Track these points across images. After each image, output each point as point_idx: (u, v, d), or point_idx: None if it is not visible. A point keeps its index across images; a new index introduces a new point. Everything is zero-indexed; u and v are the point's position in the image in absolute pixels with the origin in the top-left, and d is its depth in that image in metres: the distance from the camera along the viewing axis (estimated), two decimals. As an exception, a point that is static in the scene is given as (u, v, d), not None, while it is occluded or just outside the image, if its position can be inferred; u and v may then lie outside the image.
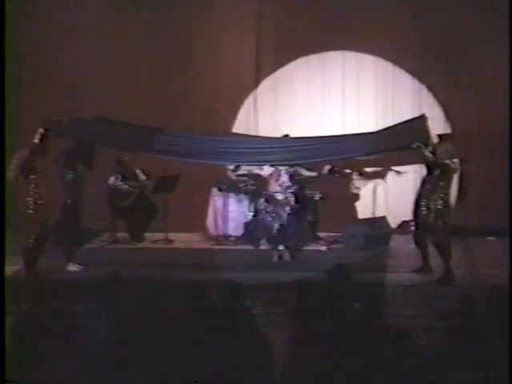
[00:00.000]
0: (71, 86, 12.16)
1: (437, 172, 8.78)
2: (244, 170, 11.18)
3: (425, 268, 9.18)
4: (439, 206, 8.79)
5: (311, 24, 12.05)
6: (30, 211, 8.92)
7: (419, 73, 11.97)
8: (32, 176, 8.97)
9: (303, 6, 12.07)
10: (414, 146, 8.66)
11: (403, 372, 4.78)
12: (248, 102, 12.36)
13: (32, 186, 8.96)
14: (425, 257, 9.21)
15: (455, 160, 8.75)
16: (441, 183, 8.80)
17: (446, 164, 8.71)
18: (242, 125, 12.31)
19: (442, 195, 8.80)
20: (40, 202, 8.98)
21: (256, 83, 12.32)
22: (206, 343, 5.06)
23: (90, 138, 9.45)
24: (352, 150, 9.33)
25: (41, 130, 9.07)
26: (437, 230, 8.85)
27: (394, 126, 9.69)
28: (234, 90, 12.35)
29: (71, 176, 9.39)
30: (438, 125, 10.36)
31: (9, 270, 8.73)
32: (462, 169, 9.03)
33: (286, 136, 10.89)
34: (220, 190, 11.40)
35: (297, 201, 10.16)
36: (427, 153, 8.66)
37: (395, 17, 11.82)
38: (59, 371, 4.93)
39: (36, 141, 9.05)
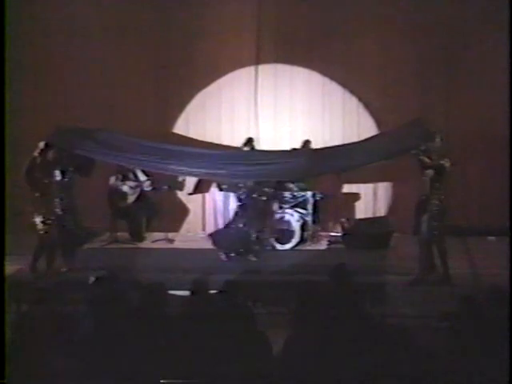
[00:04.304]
0: (70, 83, 12.16)
1: (431, 173, 8.78)
2: None
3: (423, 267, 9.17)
4: (435, 207, 8.79)
5: (312, 22, 12.03)
6: (40, 232, 8.99)
7: (420, 73, 11.95)
8: (36, 194, 8.97)
9: (304, 3, 12.03)
10: (411, 152, 8.76)
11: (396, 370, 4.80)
12: (248, 102, 12.33)
13: (37, 203, 8.96)
14: (424, 257, 9.19)
15: (447, 159, 8.76)
16: (436, 184, 8.79)
17: (441, 164, 8.72)
18: (242, 125, 12.28)
19: (437, 195, 8.79)
20: (49, 221, 9.00)
21: (256, 83, 12.29)
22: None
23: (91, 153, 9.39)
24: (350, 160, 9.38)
25: (41, 145, 9.02)
26: (432, 229, 8.83)
27: (391, 132, 9.67)
28: (233, 90, 12.33)
29: (68, 177, 9.37)
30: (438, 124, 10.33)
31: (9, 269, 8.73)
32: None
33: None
34: (220, 189, 11.38)
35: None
36: (426, 159, 8.70)
37: (396, 13, 11.78)
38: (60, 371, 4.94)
39: (36, 154, 9.01)
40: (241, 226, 10.29)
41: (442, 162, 8.70)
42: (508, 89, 11.05)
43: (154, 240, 11.45)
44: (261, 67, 12.23)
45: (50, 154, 9.11)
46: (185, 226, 12.32)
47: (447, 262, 8.88)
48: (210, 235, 10.86)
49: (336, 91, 12.18)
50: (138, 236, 11.47)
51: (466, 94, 11.80)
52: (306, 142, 11.41)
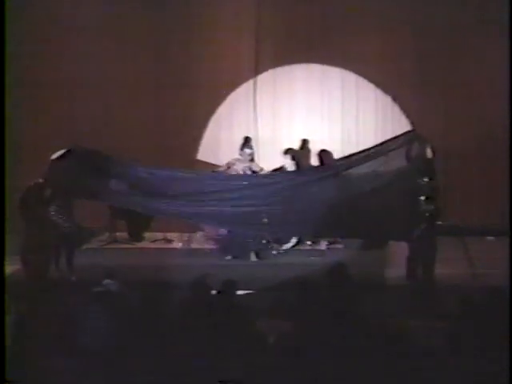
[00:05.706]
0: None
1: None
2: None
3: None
4: (426, 209, 8.80)
5: (311, 24, 12.03)
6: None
7: (419, 73, 11.95)
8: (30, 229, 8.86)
9: (303, 5, 12.02)
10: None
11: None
12: (247, 104, 12.31)
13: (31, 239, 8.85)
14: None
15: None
16: (427, 185, 8.80)
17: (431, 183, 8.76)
18: (241, 126, 12.25)
19: (429, 198, 8.80)
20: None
21: (255, 84, 12.27)
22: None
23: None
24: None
25: (40, 181, 8.84)
26: (423, 229, 8.84)
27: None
28: (232, 91, 12.32)
29: None
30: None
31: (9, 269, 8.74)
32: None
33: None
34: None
35: None
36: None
37: (395, 16, 11.77)
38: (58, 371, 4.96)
39: (32, 184, 8.87)
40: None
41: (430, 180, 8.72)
42: (508, 90, 11.09)
43: (153, 240, 11.44)
44: (260, 68, 12.23)
45: (48, 192, 8.88)
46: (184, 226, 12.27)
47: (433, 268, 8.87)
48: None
49: (336, 92, 12.18)
50: (137, 236, 11.48)
51: (465, 93, 11.80)
52: (304, 142, 11.37)
